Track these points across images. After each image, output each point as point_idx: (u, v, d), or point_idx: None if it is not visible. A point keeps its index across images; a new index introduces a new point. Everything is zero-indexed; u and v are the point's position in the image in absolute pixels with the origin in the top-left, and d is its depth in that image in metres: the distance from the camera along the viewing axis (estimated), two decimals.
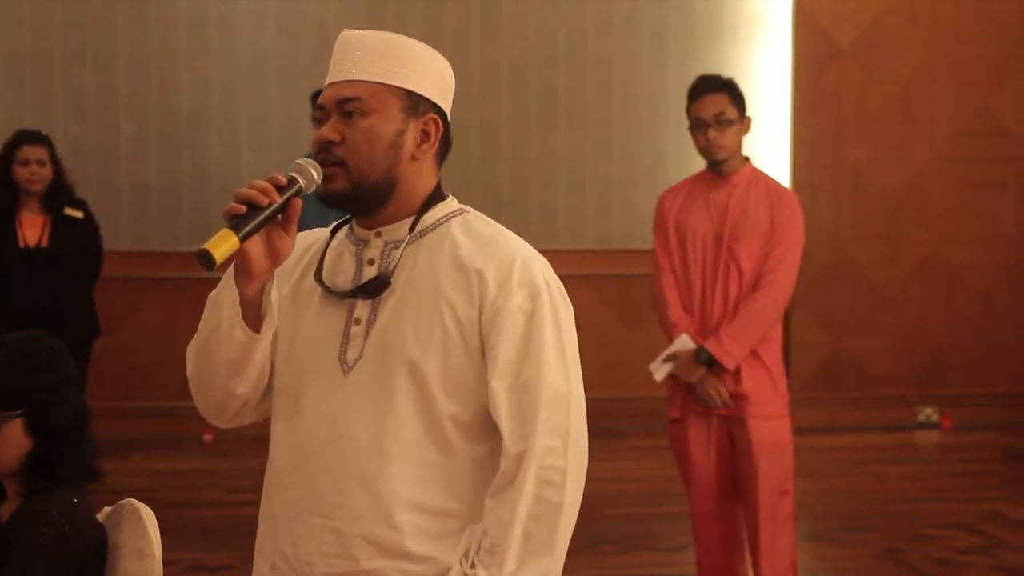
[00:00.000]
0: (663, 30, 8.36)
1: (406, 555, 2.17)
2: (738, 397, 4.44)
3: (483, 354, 2.18)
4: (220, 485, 6.93)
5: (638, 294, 8.43)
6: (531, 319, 2.17)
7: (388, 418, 2.17)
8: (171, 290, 7.87)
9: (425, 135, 2.25)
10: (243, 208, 2.09)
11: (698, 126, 4.46)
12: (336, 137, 2.20)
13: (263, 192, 2.10)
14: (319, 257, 2.30)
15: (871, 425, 8.40)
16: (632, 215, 8.41)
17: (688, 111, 4.51)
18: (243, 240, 2.08)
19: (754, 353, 4.45)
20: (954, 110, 8.64)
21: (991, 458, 7.79)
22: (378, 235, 2.27)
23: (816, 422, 8.05)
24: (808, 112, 8.46)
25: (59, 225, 6.38)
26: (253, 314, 2.20)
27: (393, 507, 2.16)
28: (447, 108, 2.29)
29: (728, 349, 4.40)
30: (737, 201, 4.47)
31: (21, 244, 6.32)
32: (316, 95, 2.30)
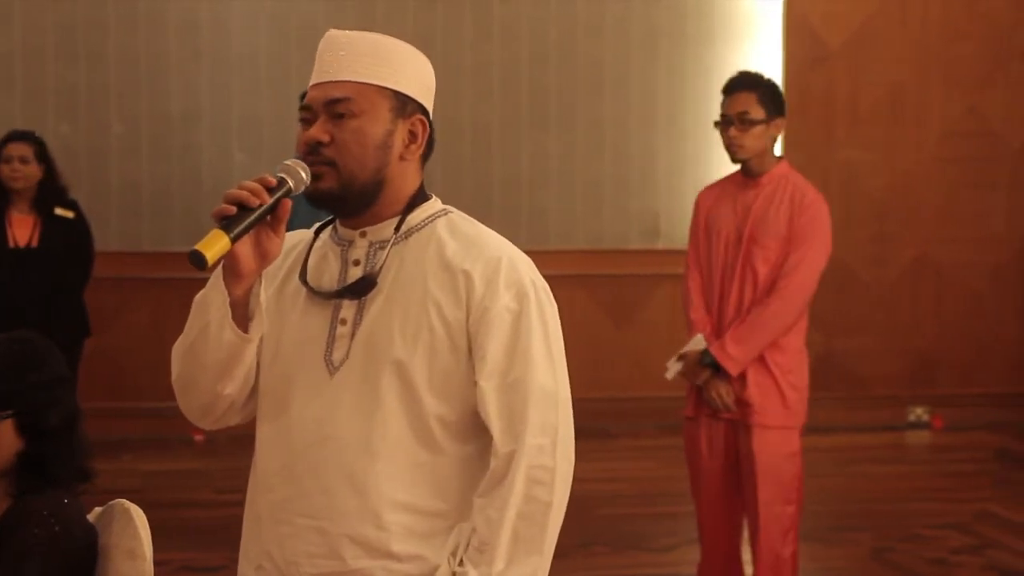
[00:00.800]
0: (654, 31, 8.35)
1: (393, 555, 2.17)
2: (742, 403, 4.39)
3: (470, 354, 2.18)
4: (211, 485, 6.92)
5: (629, 295, 8.45)
6: (518, 319, 2.18)
7: (375, 418, 2.17)
8: (162, 290, 7.86)
9: (412, 136, 2.25)
10: (233, 209, 2.09)
11: (723, 123, 4.39)
12: (325, 138, 2.19)
13: (253, 193, 2.10)
14: (303, 258, 2.30)
15: (862, 425, 8.41)
16: (623, 216, 8.42)
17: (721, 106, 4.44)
18: (234, 241, 2.08)
19: (762, 360, 4.36)
20: (944, 111, 8.66)
21: (982, 458, 7.80)
22: (363, 235, 2.27)
23: (807, 421, 8.03)
24: (798, 113, 8.44)
25: (49, 225, 6.37)
26: (241, 315, 2.19)
27: (380, 507, 2.17)
28: (431, 108, 2.30)
29: (731, 354, 4.32)
30: (762, 203, 4.38)
31: (11, 244, 6.32)
32: (305, 95, 2.29)
